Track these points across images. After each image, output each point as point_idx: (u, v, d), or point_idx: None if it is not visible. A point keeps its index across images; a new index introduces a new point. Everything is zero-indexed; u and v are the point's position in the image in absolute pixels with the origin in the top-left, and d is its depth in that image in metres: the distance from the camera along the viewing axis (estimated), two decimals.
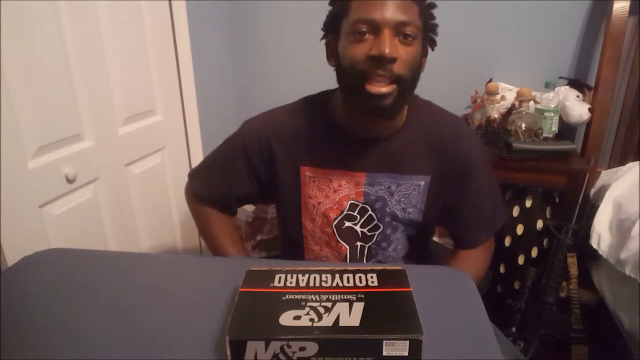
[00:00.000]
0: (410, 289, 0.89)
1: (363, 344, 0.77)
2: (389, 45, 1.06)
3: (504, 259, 2.27)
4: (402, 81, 1.11)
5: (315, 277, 0.93)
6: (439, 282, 1.07)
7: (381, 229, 1.34)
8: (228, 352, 0.78)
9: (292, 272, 0.95)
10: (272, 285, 0.91)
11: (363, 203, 1.32)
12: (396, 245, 1.37)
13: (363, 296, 0.87)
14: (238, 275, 0.95)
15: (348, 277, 0.93)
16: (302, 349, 0.77)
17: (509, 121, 2.20)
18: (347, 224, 1.34)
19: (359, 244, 1.36)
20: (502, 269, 2.29)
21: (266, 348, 0.77)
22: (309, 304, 0.85)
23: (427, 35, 1.19)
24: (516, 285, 2.23)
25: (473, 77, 2.49)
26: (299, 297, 0.87)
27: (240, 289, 0.91)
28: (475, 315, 0.96)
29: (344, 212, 1.33)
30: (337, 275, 0.94)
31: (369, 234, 1.35)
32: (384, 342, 0.77)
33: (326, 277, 0.94)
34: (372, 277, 0.93)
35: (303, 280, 0.93)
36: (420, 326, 0.78)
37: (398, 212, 1.32)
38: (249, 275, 0.96)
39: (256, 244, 1.84)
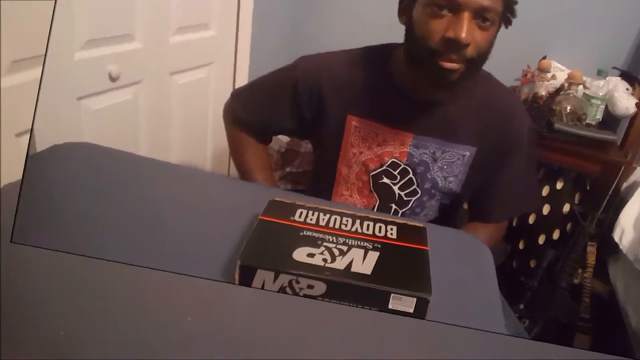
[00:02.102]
0: (428, 248, 0.88)
1: (371, 293, 0.77)
2: (466, 30, 1.03)
3: (525, 236, 2.26)
4: (472, 62, 1.09)
5: (336, 219, 0.93)
6: (456, 246, 1.07)
7: (418, 195, 1.33)
8: (237, 276, 0.79)
9: (314, 209, 0.95)
10: (292, 218, 0.91)
11: (405, 164, 1.30)
12: (428, 211, 1.36)
13: (380, 246, 0.86)
14: (260, 203, 0.95)
15: (368, 225, 0.92)
16: (310, 286, 0.77)
17: (555, 101, 2.16)
18: (385, 180, 1.33)
19: (393, 206, 1.35)
20: (521, 245, 2.28)
21: (275, 279, 0.77)
22: (324, 243, 0.85)
23: (505, 15, 1.14)
24: (532, 264, 2.22)
25: (526, 50, 2.41)
26: (316, 235, 0.87)
27: (260, 217, 0.91)
28: (487, 285, 0.96)
29: (384, 167, 1.31)
30: (357, 221, 0.93)
31: (405, 198, 1.33)
32: (392, 295, 0.77)
33: (347, 220, 0.93)
34: (392, 229, 0.92)
35: (324, 219, 0.92)
36: (430, 286, 0.78)
37: (439, 180, 1.31)
38: (271, 204, 0.95)
39: (284, 174, 1.84)
